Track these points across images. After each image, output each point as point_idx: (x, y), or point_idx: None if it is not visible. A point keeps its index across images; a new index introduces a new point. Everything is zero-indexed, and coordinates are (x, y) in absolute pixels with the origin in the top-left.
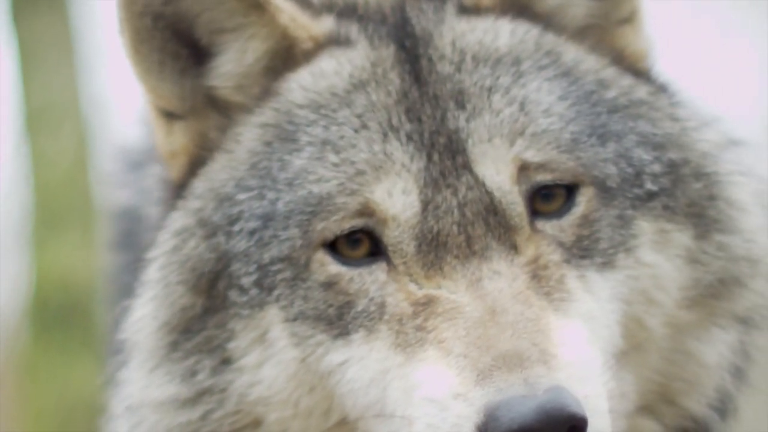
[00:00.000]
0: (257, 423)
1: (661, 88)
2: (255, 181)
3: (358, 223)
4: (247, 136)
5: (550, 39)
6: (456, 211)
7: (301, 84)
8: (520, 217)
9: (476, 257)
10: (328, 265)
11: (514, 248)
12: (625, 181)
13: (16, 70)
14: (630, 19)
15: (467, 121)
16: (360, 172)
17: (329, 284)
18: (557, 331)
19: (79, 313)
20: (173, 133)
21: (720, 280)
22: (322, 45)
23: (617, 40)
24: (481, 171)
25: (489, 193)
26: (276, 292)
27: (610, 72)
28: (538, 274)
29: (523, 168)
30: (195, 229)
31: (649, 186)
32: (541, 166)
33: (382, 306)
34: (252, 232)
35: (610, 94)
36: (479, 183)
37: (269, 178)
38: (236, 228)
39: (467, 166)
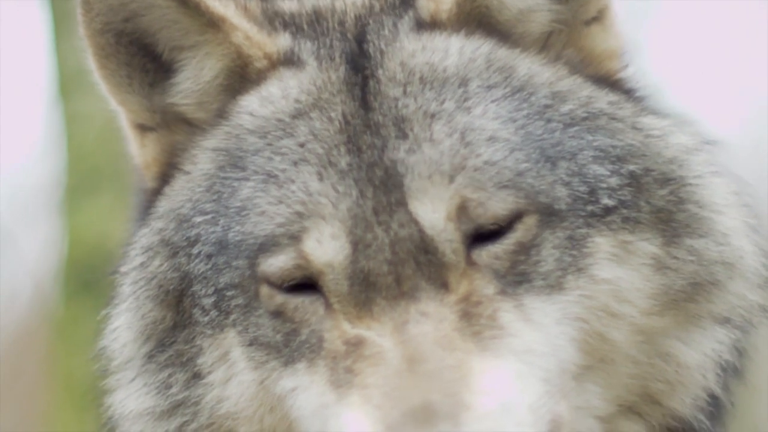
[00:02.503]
0: None
1: (628, 94)
2: (210, 206)
3: (296, 274)
4: (202, 158)
5: (503, 54)
6: (387, 250)
7: (249, 107)
8: (454, 254)
9: (405, 298)
10: (276, 296)
11: (446, 287)
12: (578, 200)
13: (50, 33)
14: (599, 17)
15: (407, 153)
16: (296, 214)
17: (277, 313)
18: (480, 377)
19: (111, 275)
20: (146, 144)
21: (693, 284)
22: (276, 65)
23: (585, 42)
24: (417, 208)
25: (422, 231)
26: (232, 317)
27: (567, 83)
28: (469, 311)
29: (463, 206)
30: (159, 248)
31: (606, 201)
32: (481, 204)
33: (320, 340)
34: (209, 256)
35: (567, 107)
36: (413, 220)
37: (222, 204)
38: (195, 251)
39: (403, 203)
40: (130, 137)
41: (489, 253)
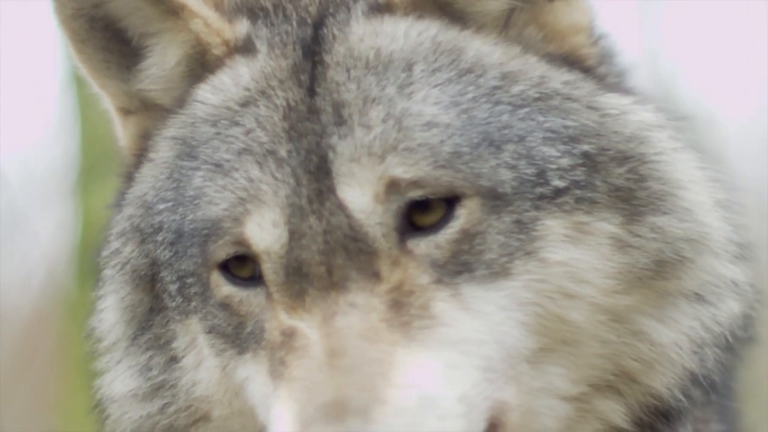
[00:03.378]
0: (208, 417)
1: (590, 71)
2: (170, 194)
3: (239, 249)
4: (163, 145)
5: (452, 35)
6: (320, 239)
7: (203, 96)
8: (384, 240)
9: (336, 289)
10: (222, 286)
11: (377, 276)
12: (525, 183)
13: None
14: None
15: (340, 138)
16: (240, 200)
17: (225, 304)
18: (401, 370)
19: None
20: (127, 128)
21: (658, 261)
22: (233, 52)
23: (548, 18)
24: (345, 193)
25: (350, 217)
26: (193, 304)
27: (519, 63)
28: (400, 301)
29: (393, 185)
30: (130, 234)
31: (557, 182)
32: (414, 183)
33: (262, 331)
34: (171, 244)
35: (517, 88)
36: (342, 206)
37: (179, 193)
38: (159, 238)
39: (333, 189)
40: (115, 120)
41: (429, 243)
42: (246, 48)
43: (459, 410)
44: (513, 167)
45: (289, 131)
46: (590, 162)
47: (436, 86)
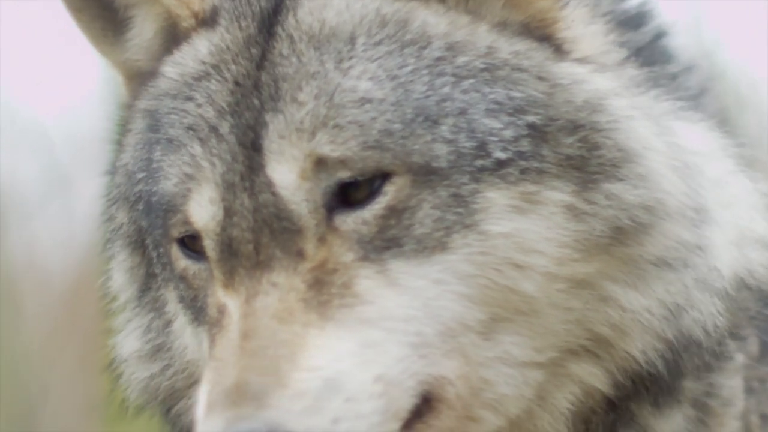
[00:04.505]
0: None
1: (549, 39)
2: (143, 164)
3: (189, 229)
4: (137, 116)
5: (398, 7)
6: (250, 217)
7: (167, 69)
8: (310, 218)
9: (261, 267)
10: (180, 259)
11: (301, 254)
12: (463, 157)
13: None
14: None
15: (274, 114)
16: (186, 177)
17: (182, 277)
18: (310, 352)
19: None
20: (126, 94)
21: (615, 228)
22: (199, 25)
23: None
24: (273, 170)
25: (276, 194)
26: (166, 273)
27: (467, 33)
28: (322, 280)
29: (320, 163)
30: (120, 201)
31: (499, 154)
32: (341, 162)
33: (205, 306)
34: (146, 214)
35: (462, 59)
36: (270, 184)
37: (149, 165)
38: (140, 207)
39: (263, 166)
40: (121, 84)
41: (356, 219)
42: (210, 20)
43: (374, 390)
44: (450, 141)
45: (234, 106)
46: (537, 133)
47: (375, 60)
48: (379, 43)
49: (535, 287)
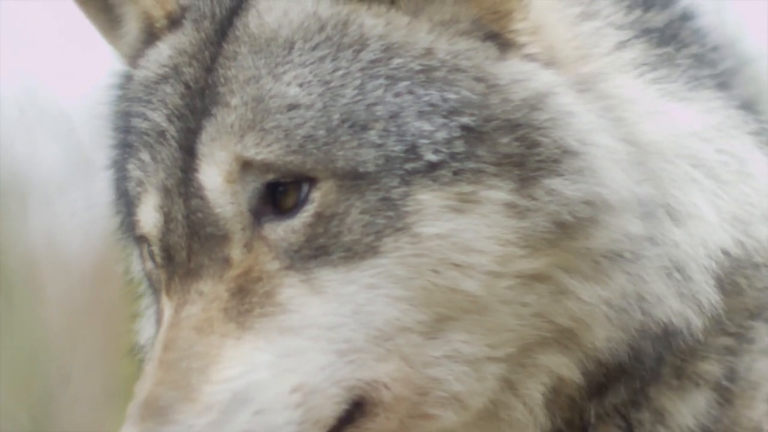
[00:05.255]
0: None
1: (488, 38)
2: (119, 165)
3: (141, 233)
4: (115, 117)
5: (338, 10)
6: (184, 223)
7: (137, 72)
8: (236, 222)
9: (191, 275)
10: (146, 260)
11: (227, 261)
12: (392, 160)
13: None
14: None
15: (210, 117)
16: (138, 182)
17: (147, 277)
18: (223, 364)
19: None
20: None
21: (558, 223)
22: (170, 26)
23: None
24: (202, 174)
25: (204, 198)
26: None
27: (405, 34)
28: (245, 288)
29: (246, 167)
30: (116, 193)
31: (430, 156)
32: (266, 166)
33: (159, 312)
34: (127, 212)
35: (397, 61)
36: (200, 188)
37: (121, 166)
38: (123, 204)
39: (195, 170)
40: None
41: (285, 227)
42: (178, 22)
43: (290, 400)
44: (379, 145)
45: (181, 109)
46: (472, 134)
47: (308, 65)
48: (314, 47)
49: (478, 286)
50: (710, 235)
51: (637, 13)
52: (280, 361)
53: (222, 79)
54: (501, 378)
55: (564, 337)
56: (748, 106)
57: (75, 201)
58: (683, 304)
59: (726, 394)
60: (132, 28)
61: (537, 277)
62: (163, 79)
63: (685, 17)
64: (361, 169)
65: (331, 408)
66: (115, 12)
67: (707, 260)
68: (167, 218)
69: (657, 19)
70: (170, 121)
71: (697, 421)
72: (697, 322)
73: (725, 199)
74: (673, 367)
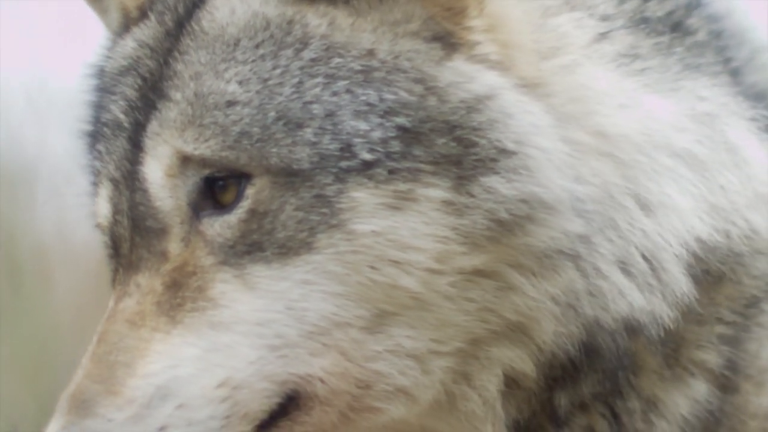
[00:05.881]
0: None
1: (436, 38)
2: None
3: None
4: (88, 108)
5: (283, 9)
6: (129, 215)
7: (105, 63)
8: (174, 216)
9: (132, 267)
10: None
11: (164, 255)
12: (327, 158)
13: None
14: None
15: (156, 112)
16: (95, 172)
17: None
18: (150, 358)
19: None
20: None
21: (496, 220)
22: (140, 18)
23: None
24: (145, 167)
25: (146, 192)
26: None
27: (348, 34)
28: (179, 282)
29: (186, 161)
30: None
31: (365, 155)
32: (203, 161)
33: None
34: None
35: (338, 60)
36: (143, 181)
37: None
38: None
39: (141, 164)
40: None
41: (222, 223)
42: (145, 13)
43: (215, 395)
44: (313, 144)
45: (136, 102)
46: (408, 134)
47: (249, 63)
48: (257, 45)
49: (417, 282)
50: (683, 224)
51: (635, 3)
52: (208, 355)
53: (172, 73)
54: (453, 371)
55: (514, 331)
56: (760, 93)
57: (84, 190)
58: (651, 296)
59: (727, 382)
60: (114, 18)
61: (481, 273)
62: (126, 71)
63: (692, 5)
64: (295, 167)
65: (260, 402)
66: (104, 2)
67: (679, 249)
68: (116, 210)
69: (658, 8)
70: (126, 113)
71: (694, 409)
72: (668, 313)
73: (706, 188)
74: (663, 356)
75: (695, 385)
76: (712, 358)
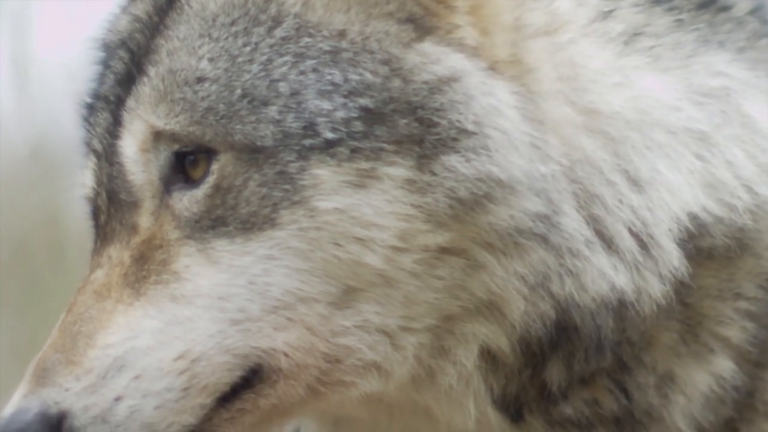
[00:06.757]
0: None
1: (408, 20)
2: None
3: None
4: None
5: None
6: (106, 188)
7: (106, 36)
8: (146, 190)
9: (106, 239)
10: None
11: (135, 228)
12: (290, 136)
13: None
14: None
15: (135, 85)
16: (84, 145)
17: None
18: (111, 329)
19: None
20: None
21: (457, 199)
22: None
23: None
24: (122, 140)
25: (121, 165)
26: None
27: (321, 14)
28: (146, 255)
29: (158, 136)
30: None
31: (328, 134)
32: (173, 136)
33: None
34: None
35: (306, 40)
36: (119, 154)
37: None
38: None
39: (119, 138)
40: None
41: (190, 197)
42: None
43: (173, 367)
44: (277, 122)
45: (123, 76)
46: (370, 115)
47: (222, 40)
48: (232, 23)
49: (381, 260)
50: (675, 200)
51: None
52: (168, 328)
53: (153, 48)
54: (429, 346)
55: (486, 309)
56: None
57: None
58: (638, 273)
59: (751, 357)
60: None
61: (447, 251)
62: (120, 44)
63: None
64: (258, 143)
65: (220, 375)
66: None
67: (670, 224)
68: (98, 182)
69: None
70: (112, 87)
71: (718, 386)
72: (660, 289)
73: (707, 163)
74: (679, 333)
75: (717, 362)
76: (735, 333)
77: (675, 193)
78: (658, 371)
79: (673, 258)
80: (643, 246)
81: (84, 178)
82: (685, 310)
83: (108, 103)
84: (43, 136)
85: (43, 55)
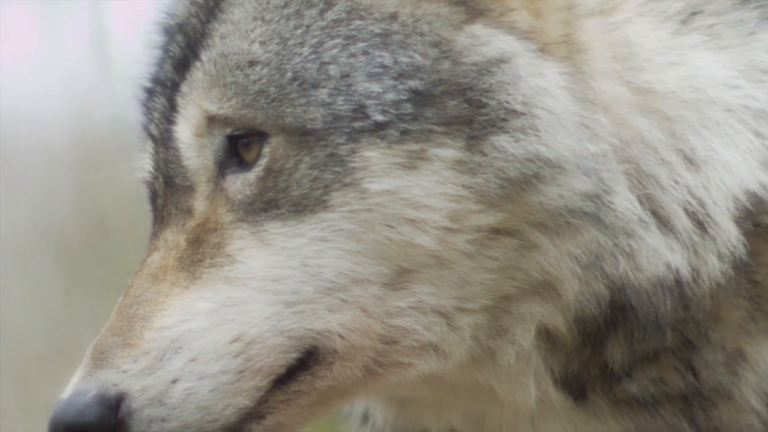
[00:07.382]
0: None
1: (461, 2)
2: None
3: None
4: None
5: None
6: (163, 173)
7: (161, 18)
8: (201, 174)
9: (163, 223)
10: None
11: (190, 212)
12: (340, 119)
13: None
14: None
15: (189, 70)
16: (142, 129)
17: None
18: (167, 312)
19: None
20: None
21: (507, 179)
22: None
23: None
24: (177, 126)
25: (177, 150)
26: None
27: None
28: (200, 239)
29: (212, 121)
30: None
31: (378, 117)
32: (226, 120)
33: None
34: None
35: (358, 23)
36: (174, 139)
37: None
38: None
39: (174, 122)
40: None
41: (243, 180)
42: None
43: (229, 349)
44: (327, 104)
45: (180, 61)
46: (420, 97)
47: (274, 22)
48: (285, 5)
49: (434, 241)
50: (732, 178)
51: None
52: (223, 310)
53: (207, 32)
54: (487, 327)
55: (542, 288)
56: None
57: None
58: (694, 252)
59: None
60: None
61: (500, 231)
62: (179, 28)
63: None
64: (309, 126)
65: (275, 357)
66: None
67: (727, 202)
68: (155, 166)
69: None
70: (170, 72)
71: None
72: (718, 267)
73: (767, 140)
74: (748, 310)
75: None
76: None
77: (732, 171)
78: (726, 349)
79: (731, 236)
80: (700, 225)
81: (143, 163)
82: (754, 287)
83: (164, 88)
84: (123, 114)
85: (122, 35)
